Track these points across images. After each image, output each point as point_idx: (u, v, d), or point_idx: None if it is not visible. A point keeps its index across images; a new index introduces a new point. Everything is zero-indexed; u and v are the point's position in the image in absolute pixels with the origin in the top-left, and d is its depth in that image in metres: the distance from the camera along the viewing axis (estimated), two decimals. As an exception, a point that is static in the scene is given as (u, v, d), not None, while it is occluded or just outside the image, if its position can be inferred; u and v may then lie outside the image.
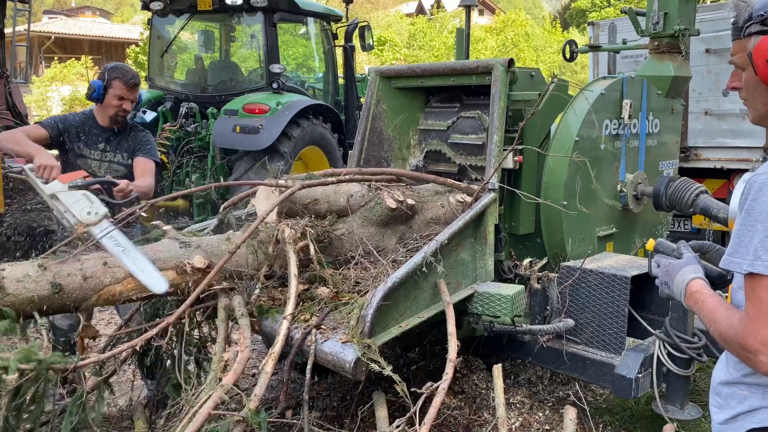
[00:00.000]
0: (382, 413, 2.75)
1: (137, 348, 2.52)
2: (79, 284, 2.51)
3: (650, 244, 2.03)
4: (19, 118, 6.11)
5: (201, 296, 2.80)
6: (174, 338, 2.81)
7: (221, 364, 2.44)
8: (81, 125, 3.77)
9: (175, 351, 2.93)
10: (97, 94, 3.71)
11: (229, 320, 2.77)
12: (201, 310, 2.91)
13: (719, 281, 1.78)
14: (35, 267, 2.48)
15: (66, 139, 3.72)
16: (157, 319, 2.83)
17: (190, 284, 2.73)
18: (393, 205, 3.18)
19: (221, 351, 2.56)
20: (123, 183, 3.39)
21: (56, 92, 21.70)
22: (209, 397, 2.24)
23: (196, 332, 3.01)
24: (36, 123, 3.68)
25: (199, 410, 2.19)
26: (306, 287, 2.94)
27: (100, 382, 2.59)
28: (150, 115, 6.32)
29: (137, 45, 23.11)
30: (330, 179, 3.22)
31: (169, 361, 3.03)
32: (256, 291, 2.84)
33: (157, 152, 3.98)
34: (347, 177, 3.30)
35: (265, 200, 3.09)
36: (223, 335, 2.68)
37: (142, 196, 3.57)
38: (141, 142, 3.87)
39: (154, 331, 2.57)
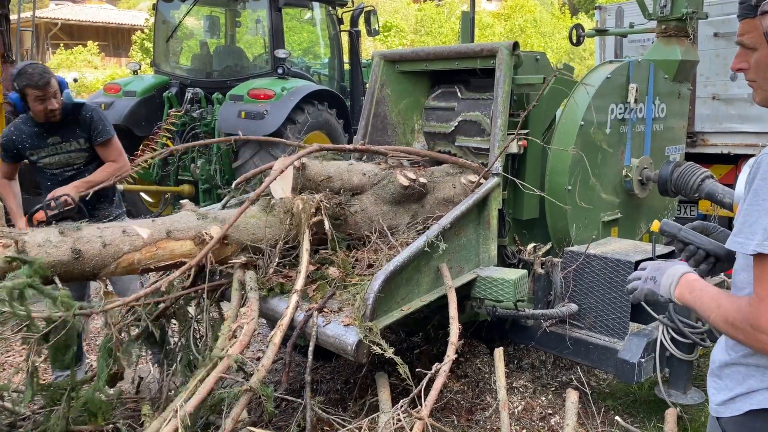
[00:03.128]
0: (384, 394, 2.77)
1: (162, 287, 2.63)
2: (98, 251, 2.56)
3: (655, 225, 2.01)
4: (25, 103, 6.11)
5: (218, 269, 2.87)
6: (191, 303, 2.91)
7: (230, 332, 2.47)
8: (20, 133, 3.68)
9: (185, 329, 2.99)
10: (20, 107, 3.66)
11: (243, 290, 2.81)
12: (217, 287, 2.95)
13: (727, 259, 1.77)
14: (56, 233, 2.54)
15: (20, 152, 3.71)
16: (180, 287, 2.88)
17: (208, 255, 2.77)
18: (405, 182, 3.20)
19: (233, 318, 2.60)
20: (51, 195, 3.45)
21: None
22: (215, 364, 2.28)
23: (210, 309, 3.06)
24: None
25: (205, 378, 2.23)
26: (316, 267, 2.97)
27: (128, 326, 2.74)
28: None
29: (143, 31, 23.07)
30: (347, 147, 3.32)
31: (183, 339, 3.08)
32: (272, 269, 2.87)
33: (109, 125, 3.84)
34: (363, 148, 3.40)
35: (280, 178, 3.09)
36: (236, 302, 2.73)
37: (111, 177, 3.68)
38: (90, 125, 3.73)
39: (177, 273, 2.65)
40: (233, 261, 2.87)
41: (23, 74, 3.53)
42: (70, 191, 3.47)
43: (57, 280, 2.49)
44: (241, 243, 2.87)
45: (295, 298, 2.64)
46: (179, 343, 3.16)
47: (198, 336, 2.99)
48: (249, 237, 2.90)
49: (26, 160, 3.76)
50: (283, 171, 2.97)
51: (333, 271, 2.94)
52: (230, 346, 2.43)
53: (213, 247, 2.74)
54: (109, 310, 2.60)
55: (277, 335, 2.52)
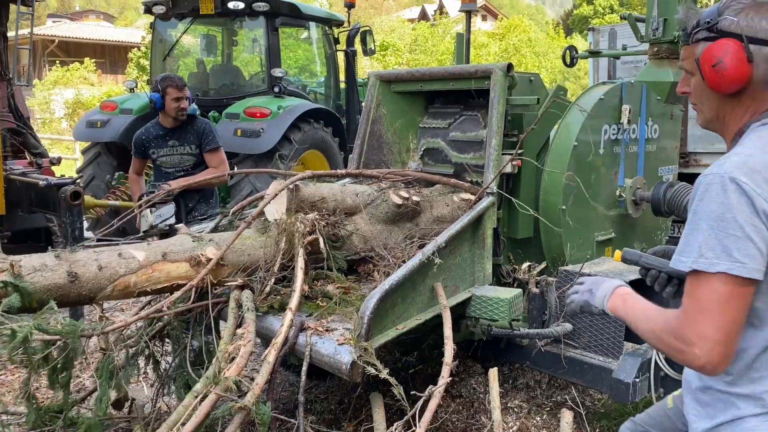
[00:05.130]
0: (379, 415, 2.75)
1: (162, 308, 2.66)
2: (94, 274, 2.55)
3: (617, 255, 2.03)
4: (21, 120, 6.12)
5: (214, 291, 2.88)
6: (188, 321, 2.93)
7: (226, 354, 2.46)
8: (147, 134, 4.70)
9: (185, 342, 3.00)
10: (159, 105, 4.56)
11: (239, 310, 2.80)
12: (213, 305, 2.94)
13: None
14: (52, 257, 2.53)
15: (146, 150, 4.74)
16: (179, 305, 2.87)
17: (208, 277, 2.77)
18: (399, 201, 3.22)
19: (229, 339, 2.59)
20: (165, 187, 4.29)
21: (59, 95, 21.78)
22: (212, 387, 2.27)
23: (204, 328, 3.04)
24: (133, 155, 4.87)
25: (202, 403, 2.21)
26: (310, 287, 2.98)
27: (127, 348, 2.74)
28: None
29: (140, 49, 23.18)
30: (339, 171, 3.33)
31: (177, 359, 3.06)
32: (268, 288, 2.86)
33: (218, 137, 4.78)
34: (355, 172, 3.44)
35: (274, 200, 3.11)
36: (233, 322, 2.71)
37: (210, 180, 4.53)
38: (203, 134, 4.68)
39: (177, 294, 2.65)
40: (229, 283, 2.86)
41: (167, 78, 4.57)
42: (171, 183, 4.36)
43: (53, 304, 2.46)
44: (237, 264, 2.88)
45: (289, 316, 2.64)
46: (174, 363, 3.14)
47: (193, 356, 2.98)
48: (245, 258, 2.90)
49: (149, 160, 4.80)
50: (276, 195, 2.99)
51: (332, 287, 2.95)
52: (227, 369, 2.42)
53: (211, 269, 2.74)
54: (110, 331, 2.58)
55: (272, 354, 2.50)
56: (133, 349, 2.99)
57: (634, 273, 3.24)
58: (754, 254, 1.30)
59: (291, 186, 3.07)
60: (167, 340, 3.11)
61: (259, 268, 2.90)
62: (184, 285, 2.78)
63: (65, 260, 2.53)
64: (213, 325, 2.83)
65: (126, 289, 2.64)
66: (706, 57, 1.46)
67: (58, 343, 2.41)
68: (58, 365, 2.45)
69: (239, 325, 2.68)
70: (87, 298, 2.58)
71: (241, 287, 2.86)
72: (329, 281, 3.06)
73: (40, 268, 2.46)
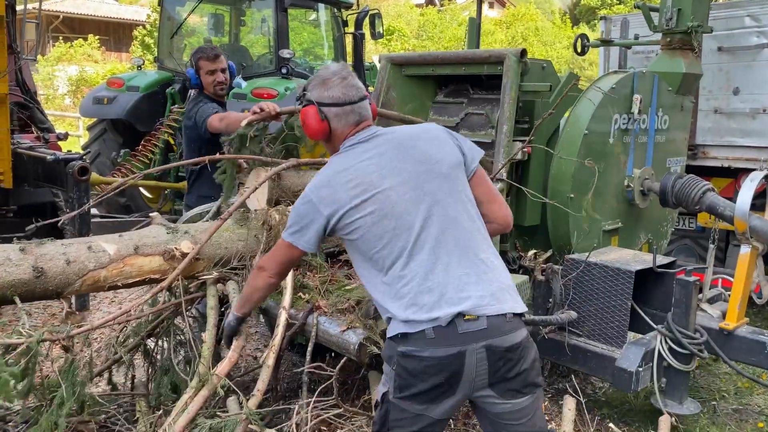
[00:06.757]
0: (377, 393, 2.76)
1: (132, 311, 2.56)
2: (62, 269, 2.44)
3: None
4: (28, 94, 6.09)
5: (192, 287, 2.82)
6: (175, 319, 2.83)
7: (210, 352, 2.44)
8: (217, 111, 3.96)
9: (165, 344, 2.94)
10: (194, 80, 4.00)
11: (219, 308, 2.75)
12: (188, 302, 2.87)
13: None
14: (16, 250, 2.41)
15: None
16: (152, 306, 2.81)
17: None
18: None
19: (211, 339, 2.54)
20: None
21: (63, 72, 21.68)
22: (202, 386, 2.25)
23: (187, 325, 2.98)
24: (217, 115, 3.82)
25: (192, 400, 2.20)
26: (297, 271, 2.96)
27: (91, 355, 2.59)
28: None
29: (144, 27, 23.04)
30: (323, 159, 3.24)
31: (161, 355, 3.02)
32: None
33: None
34: None
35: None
36: (213, 321, 2.65)
37: None
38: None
39: (148, 296, 2.61)
40: (204, 276, 2.77)
41: (200, 50, 4.01)
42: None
43: (17, 300, 2.36)
44: (213, 258, 2.78)
45: (284, 315, 2.61)
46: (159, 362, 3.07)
47: (182, 352, 2.96)
48: (222, 252, 2.81)
49: None
50: (257, 188, 2.88)
51: (312, 277, 2.93)
52: (218, 365, 2.41)
53: (183, 269, 2.62)
54: (75, 335, 2.44)
55: (270, 357, 2.49)
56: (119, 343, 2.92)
57: (641, 263, 3.26)
58: (305, 235, 2.06)
59: (273, 175, 2.97)
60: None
61: (239, 259, 2.82)
62: (157, 279, 2.68)
63: (30, 254, 2.41)
64: (188, 323, 2.78)
65: (96, 283, 2.54)
66: (300, 118, 2.14)
67: (20, 348, 2.24)
68: (18, 371, 2.24)
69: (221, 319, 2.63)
70: (54, 293, 2.47)
71: (222, 279, 2.79)
72: (308, 268, 3.02)
73: (3, 262, 2.34)
